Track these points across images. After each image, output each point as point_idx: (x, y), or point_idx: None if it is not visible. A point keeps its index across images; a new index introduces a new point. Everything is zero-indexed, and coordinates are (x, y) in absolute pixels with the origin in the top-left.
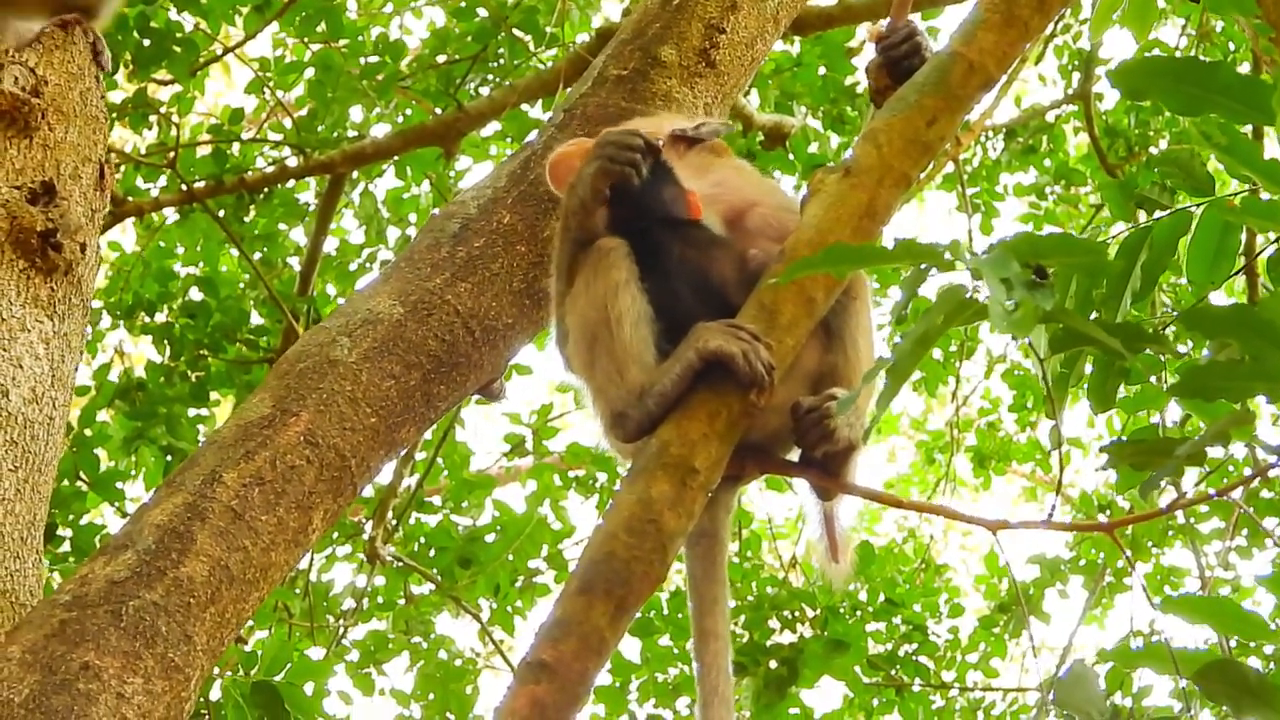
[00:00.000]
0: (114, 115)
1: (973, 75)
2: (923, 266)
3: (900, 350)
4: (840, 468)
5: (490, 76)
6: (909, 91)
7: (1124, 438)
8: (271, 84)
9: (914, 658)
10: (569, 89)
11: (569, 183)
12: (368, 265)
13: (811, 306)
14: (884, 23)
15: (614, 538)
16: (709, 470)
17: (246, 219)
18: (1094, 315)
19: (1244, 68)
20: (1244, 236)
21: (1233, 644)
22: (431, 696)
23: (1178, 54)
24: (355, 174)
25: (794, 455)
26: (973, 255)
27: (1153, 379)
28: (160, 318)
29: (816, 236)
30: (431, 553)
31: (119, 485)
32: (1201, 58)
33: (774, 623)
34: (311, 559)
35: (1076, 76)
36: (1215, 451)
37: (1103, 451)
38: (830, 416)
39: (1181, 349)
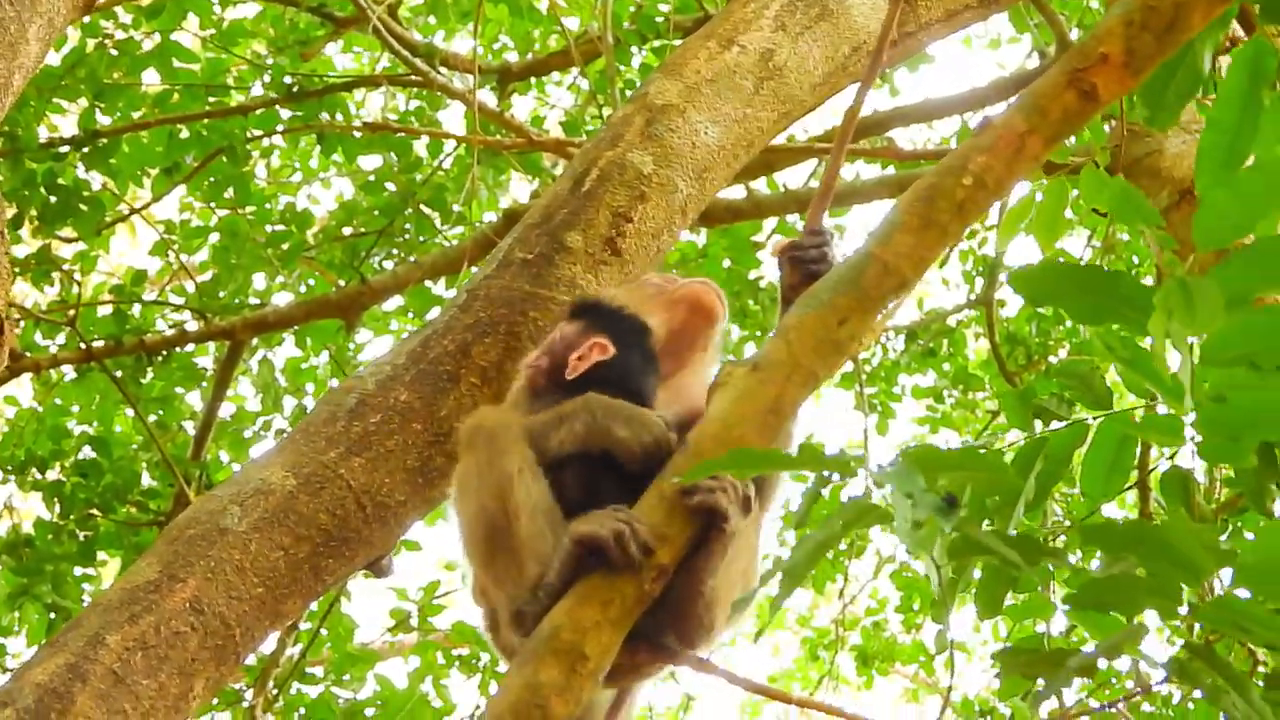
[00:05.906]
0: (17, 270)
1: (887, 277)
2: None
3: (798, 553)
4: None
5: (395, 251)
6: (822, 289)
7: (1009, 645)
8: (176, 247)
9: None
10: (474, 268)
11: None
12: (262, 433)
13: None
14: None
15: None
16: (599, 657)
17: (144, 380)
18: (987, 523)
19: (1148, 280)
20: (1138, 450)
21: None
22: None
23: (1082, 264)
24: (255, 341)
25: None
26: (879, 468)
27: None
28: (52, 475)
29: (722, 430)
30: None
31: (1, 641)
32: (1104, 268)
33: None
34: None
35: (979, 282)
36: (1100, 663)
37: (993, 659)
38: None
39: (1071, 558)
